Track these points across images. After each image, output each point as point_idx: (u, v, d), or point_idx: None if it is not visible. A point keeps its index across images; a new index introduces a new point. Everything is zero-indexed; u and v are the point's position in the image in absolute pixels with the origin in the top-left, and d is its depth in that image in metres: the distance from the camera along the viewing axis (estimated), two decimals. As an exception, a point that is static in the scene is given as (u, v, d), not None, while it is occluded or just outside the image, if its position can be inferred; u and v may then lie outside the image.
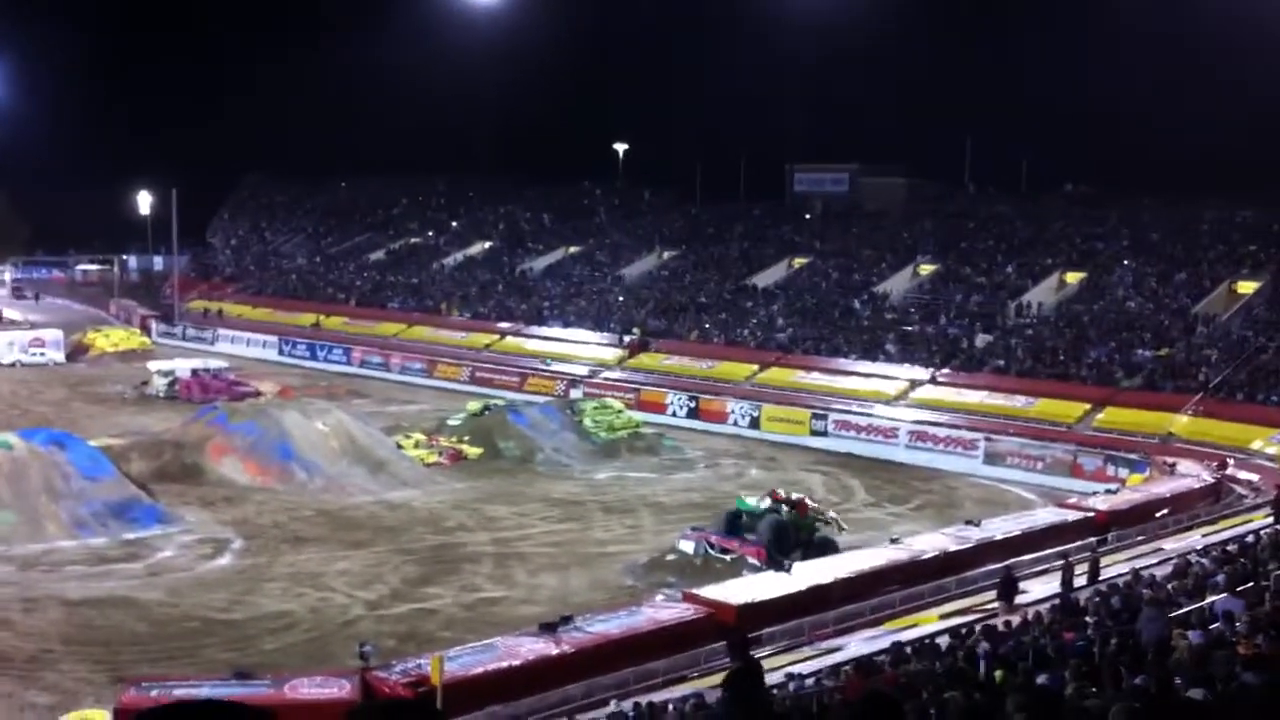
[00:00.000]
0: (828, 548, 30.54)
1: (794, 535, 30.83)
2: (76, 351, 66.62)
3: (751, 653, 14.27)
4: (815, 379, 53.02)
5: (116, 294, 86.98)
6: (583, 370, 58.50)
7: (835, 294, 61.42)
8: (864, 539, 32.77)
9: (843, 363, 53.97)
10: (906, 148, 74.24)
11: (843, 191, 75.77)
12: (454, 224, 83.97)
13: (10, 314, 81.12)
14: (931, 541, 30.06)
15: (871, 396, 50.44)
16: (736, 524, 31.75)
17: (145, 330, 74.92)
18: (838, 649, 22.52)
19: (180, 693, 20.67)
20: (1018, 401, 47.59)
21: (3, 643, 25.12)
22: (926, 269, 62.24)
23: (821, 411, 49.47)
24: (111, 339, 69.60)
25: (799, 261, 66.58)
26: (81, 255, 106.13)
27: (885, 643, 20.17)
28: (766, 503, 31.83)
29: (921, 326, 55.61)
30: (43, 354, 64.30)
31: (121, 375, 59.76)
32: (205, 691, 20.82)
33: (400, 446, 42.51)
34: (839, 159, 76.44)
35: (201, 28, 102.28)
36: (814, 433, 48.77)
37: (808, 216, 73.02)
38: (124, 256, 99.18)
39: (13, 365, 62.38)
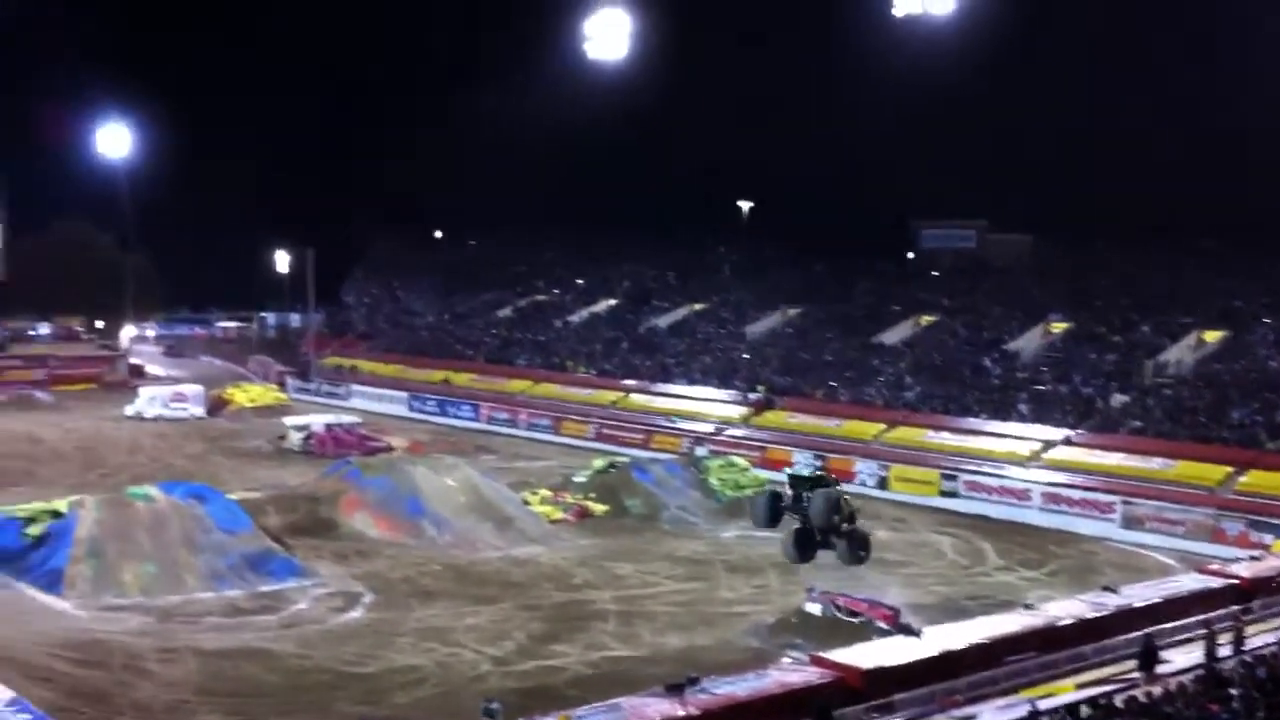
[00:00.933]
0: (866, 541, 32.50)
1: (844, 510, 31.85)
2: (216, 406, 68.68)
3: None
4: (945, 439, 52.21)
5: (254, 350, 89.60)
6: (708, 427, 58.48)
7: (964, 352, 60.57)
8: (997, 604, 32.06)
9: (973, 422, 53.10)
10: (1033, 203, 73.08)
11: (970, 248, 74.93)
12: (579, 281, 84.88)
13: (153, 369, 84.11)
14: (1067, 608, 29.24)
15: (1004, 457, 49.49)
16: (778, 502, 32.87)
17: (282, 386, 77.03)
18: (970, 717, 22.01)
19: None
20: (1156, 464, 46.22)
21: (142, 692, 25.79)
22: (1058, 327, 61.08)
23: (951, 472, 48.69)
24: (249, 394, 71.67)
25: (926, 319, 65.88)
26: (221, 312, 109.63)
27: (1021, 711, 19.66)
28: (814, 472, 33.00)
29: (1055, 386, 54.47)
30: (184, 409, 66.44)
31: (259, 430, 61.37)
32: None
33: (527, 503, 42.88)
34: (966, 215, 75.63)
35: (333, 91, 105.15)
36: (944, 493, 48.01)
37: (935, 274, 72.29)
38: (262, 314, 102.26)
39: (155, 419, 64.57)
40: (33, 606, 31.46)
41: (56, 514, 35.18)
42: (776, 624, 30.43)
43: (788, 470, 33.55)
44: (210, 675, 26.84)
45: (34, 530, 34.50)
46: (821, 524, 31.21)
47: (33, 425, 62.19)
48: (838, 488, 32.59)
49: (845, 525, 31.62)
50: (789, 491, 32.67)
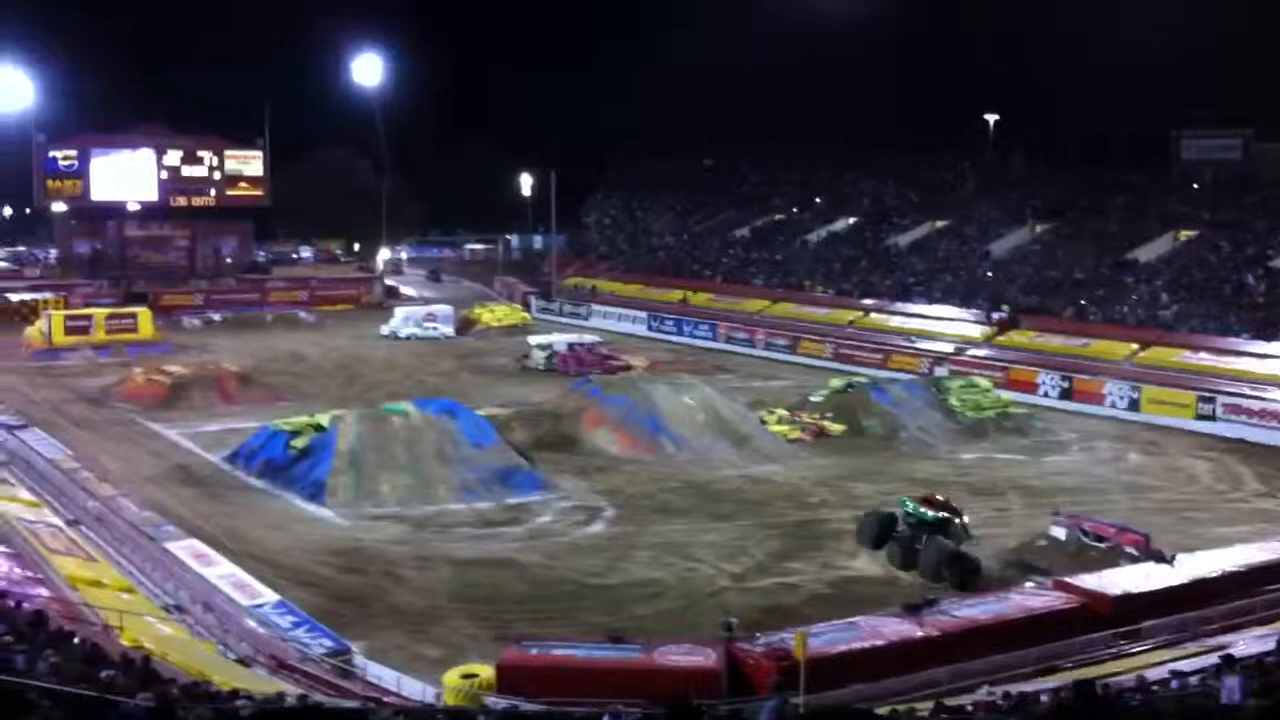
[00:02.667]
0: (974, 577, 27.54)
1: (959, 567, 27.58)
2: (464, 326, 71.19)
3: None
4: (1203, 359, 49.72)
5: (500, 272, 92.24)
6: (948, 348, 57.29)
7: (1225, 268, 57.34)
8: (1254, 531, 30.61)
9: (1234, 342, 50.36)
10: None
11: (1235, 158, 70.49)
12: (818, 200, 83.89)
13: (406, 290, 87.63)
14: (1333, 537, 27.72)
15: (1266, 379, 46.82)
16: (887, 529, 29.06)
17: (526, 306, 79.16)
18: (1224, 647, 21.15)
19: (558, 652, 21.82)
20: None
21: (397, 598, 27.25)
22: (1332, 241, 57.11)
23: (1209, 394, 46.39)
24: (496, 314, 74.05)
25: (1185, 234, 62.56)
26: (469, 235, 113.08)
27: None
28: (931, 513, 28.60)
29: (1325, 303, 51.15)
30: (435, 328, 69.09)
31: (504, 349, 63.31)
32: (581, 653, 21.88)
33: (764, 422, 43.02)
34: (1232, 123, 71.11)
35: (574, 12, 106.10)
36: (1200, 416, 45.83)
37: (1196, 186, 68.42)
38: (507, 236, 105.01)
39: (408, 338, 67.40)
40: (298, 515, 33.57)
41: (319, 428, 37.32)
42: (1019, 547, 29.78)
43: (909, 504, 29.34)
44: (462, 583, 28.12)
45: (299, 443, 36.73)
46: (928, 577, 27.52)
47: (296, 343, 65.84)
48: (958, 528, 28.57)
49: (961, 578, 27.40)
50: (904, 527, 29.07)
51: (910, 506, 29.13)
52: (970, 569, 27.64)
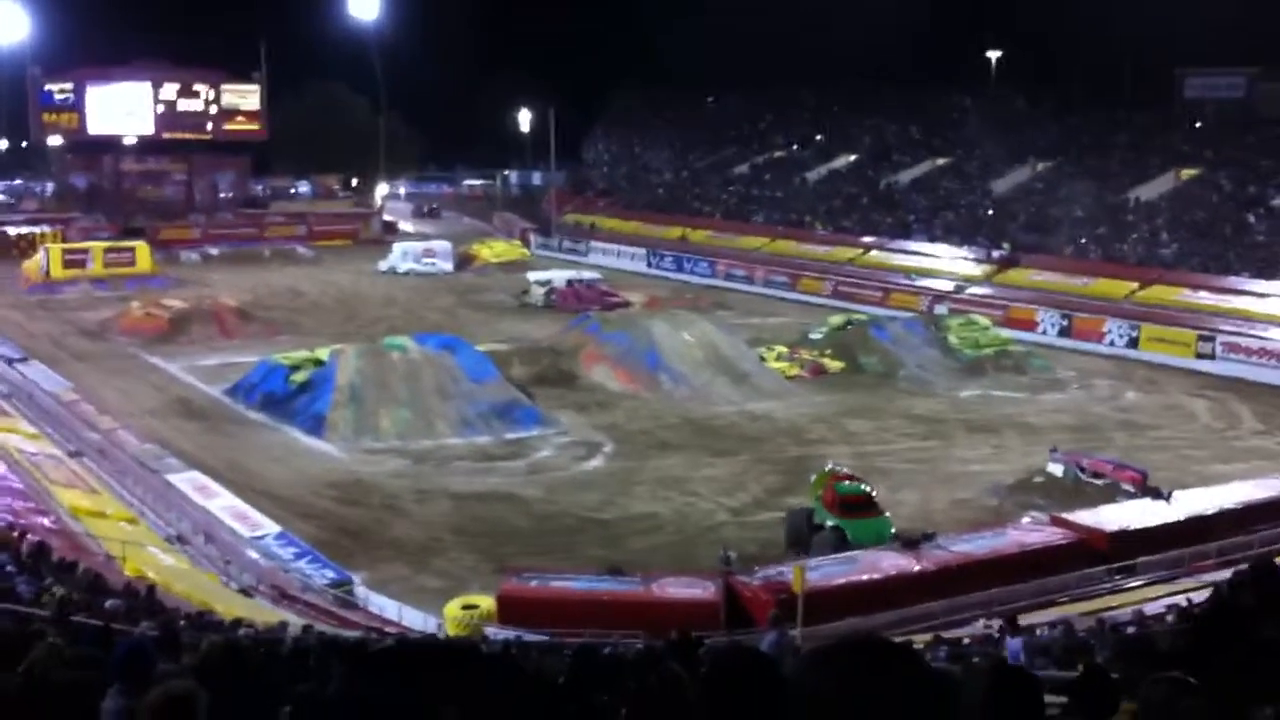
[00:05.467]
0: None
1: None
2: (463, 262, 71.00)
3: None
4: (1202, 298, 49.64)
5: (499, 208, 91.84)
6: (948, 285, 57.20)
7: (1227, 207, 57.09)
8: (1251, 469, 30.75)
9: (1234, 281, 50.25)
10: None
11: (1238, 97, 69.95)
12: (819, 137, 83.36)
13: (405, 226, 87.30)
14: (1330, 475, 27.86)
15: (1266, 318, 46.77)
16: (806, 526, 25.93)
17: (525, 242, 78.92)
18: (1218, 583, 21.32)
19: (557, 584, 21.99)
20: None
21: (399, 530, 27.44)
22: (1335, 180, 56.78)
23: (1209, 333, 46.38)
24: (494, 250, 73.84)
25: (1187, 173, 62.20)
26: (468, 171, 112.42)
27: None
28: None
29: (1326, 243, 50.97)
30: (433, 264, 68.90)
31: (503, 285, 63.20)
32: (581, 585, 22.06)
33: (763, 359, 43.05)
34: (1235, 61, 70.48)
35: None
36: (1199, 355, 45.85)
37: (1198, 125, 67.98)
38: (505, 172, 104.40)
39: (407, 274, 67.22)
40: (298, 448, 33.71)
41: (319, 362, 37.40)
42: (1016, 484, 29.95)
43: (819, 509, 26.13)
44: (462, 516, 28.31)
45: (299, 377, 36.81)
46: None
47: (295, 279, 65.72)
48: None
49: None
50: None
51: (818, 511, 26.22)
52: None
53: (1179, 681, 4.79)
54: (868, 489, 26.20)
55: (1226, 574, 21.99)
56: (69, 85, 76.16)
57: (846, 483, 26.08)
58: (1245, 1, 68.17)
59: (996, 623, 18.19)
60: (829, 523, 25.25)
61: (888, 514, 25.83)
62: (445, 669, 5.31)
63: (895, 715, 2.24)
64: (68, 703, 5.32)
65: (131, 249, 65.00)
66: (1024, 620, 19.00)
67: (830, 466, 27.76)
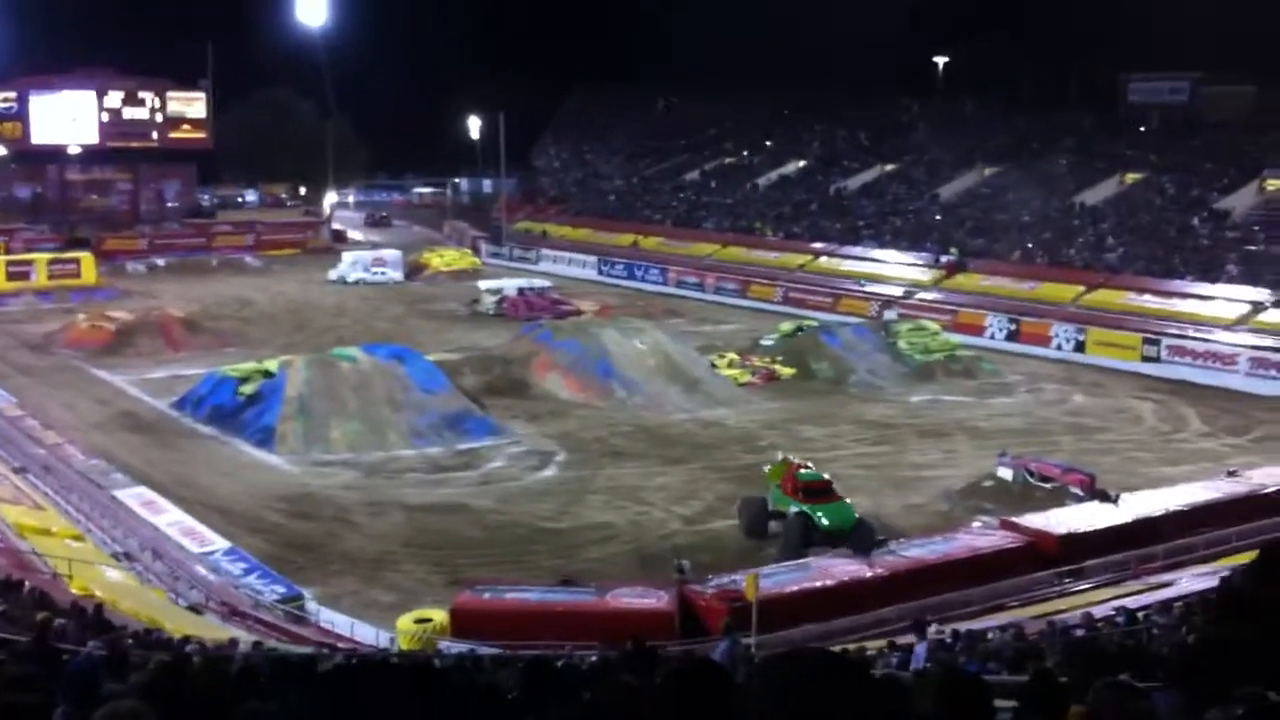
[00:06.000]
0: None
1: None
2: (413, 271, 70.66)
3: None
4: (1148, 301, 50.29)
5: (449, 215, 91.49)
6: (897, 291, 57.60)
7: (1171, 212, 57.87)
8: (1197, 471, 31.14)
9: (1178, 284, 50.94)
10: (1257, 53, 68.36)
11: (1182, 101, 70.91)
12: (768, 143, 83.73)
13: (354, 234, 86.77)
14: (1273, 474, 28.24)
15: (1210, 321, 47.47)
16: (763, 514, 26.97)
17: (475, 251, 78.61)
18: (1167, 585, 21.59)
19: (511, 596, 21.90)
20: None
21: (350, 544, 27.22)
22: (1275, 184, 57.67)
23: (1154, 336, 46.99)
24: (445, 259, 73.51)
25: (1132, 177, 63.01)
26: (417, 179, 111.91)
27: (1218, 581, 19.18)
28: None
29: (1267, 246, 51.73)
30: (384, 273, 68.51)
31: (454, 293, 62.97)
32: (535, 596, 21.97)
33: (714, 366, 43.16)
34: (1179, 66, 71.43)
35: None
36: (1145, 358, 46.43)
37: (1143, 129, 68.89)
38: (456, 180, 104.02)
39: (356, 283, 66.80)
40: (247, 461, 33.38)
41: (268, 373, 37.04)
42: (966, 488, 30.18)
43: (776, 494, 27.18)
44: (414, 528, 28.12)
45: (247, 389, 36.44)
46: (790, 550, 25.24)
47: (243, 288, 65.13)
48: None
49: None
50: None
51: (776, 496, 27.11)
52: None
53: (1126, 685, 4.85)
54: (827, 476, 27.28)
55: (1175, 575, 22.32)
56: (12, 94, 75.07)
57: (805, 470, 27.28)
58: (1188, 7, 69.09)
59: (939, 626, 18.33)
60: (793, 509, 26.04)
61: (848, 499, 26.74)
62: (395, 688, 5.25)
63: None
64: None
65: (76, 260, 64.22)
66: (976, 625, 19.14)
67: (784, 457, 28.85)
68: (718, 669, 3.50)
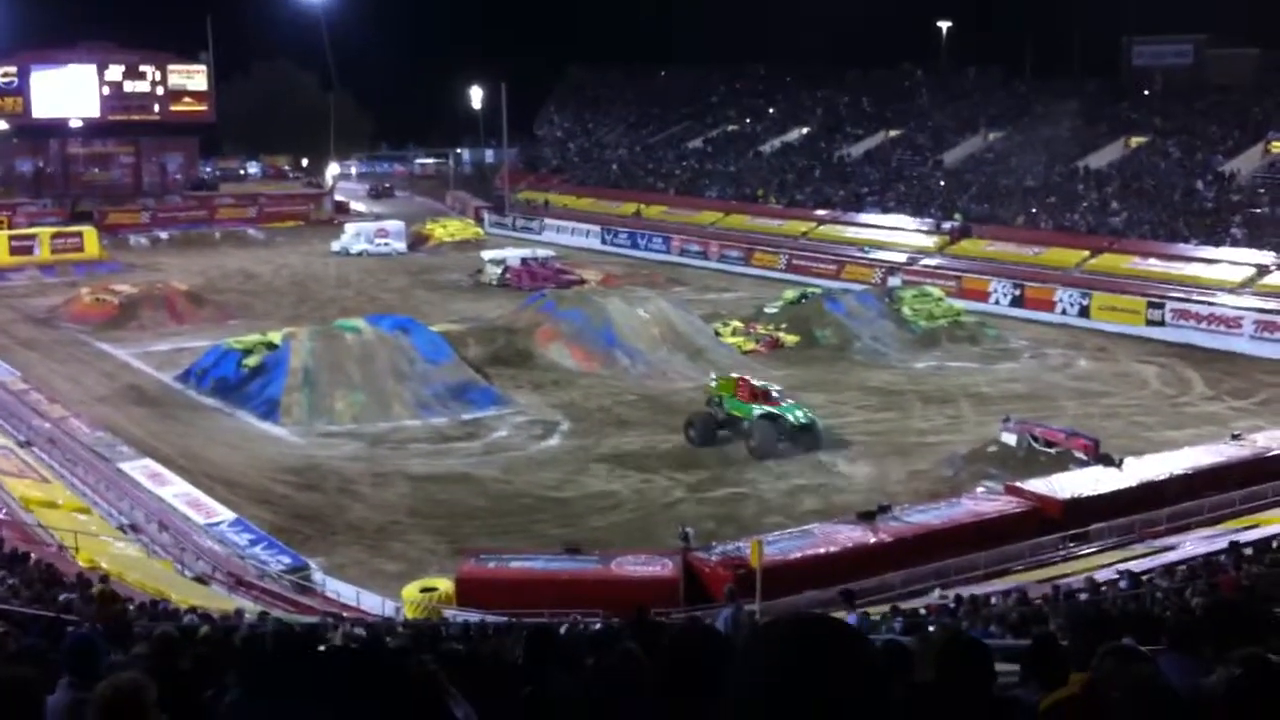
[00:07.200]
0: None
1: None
2: (416, 242, 70.54)
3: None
4: (1152, 265, 50.16)
5: (452, 186, 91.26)
6: (901, 257, 57.42)
7: (1176, 175, 57.62)
8: (1201, 434, 31.12)
9: (1183, 248, 50.80)
10: (1262, 15, 67.92)
11: (1186, 64, 70.50)
12: (771, 110, 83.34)
13: (357, 206, 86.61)
14: (1277, 438, 28.23)
15: (1214, 284, 47.34)
16: (714, 425, 31.22)
17: (478, 221, 78.43)
18: (1171, 548, 21.60)
19: (516, 565, 21.96)
20: (1381, 290, 43.60)
21: (355, 514, 27.29)
22: (1280, 146, 57.43)
23: (1158, 300, 46.88)
24: (448, 229, 73.35)
25: (1136, 141, 62.73)
26: (420, 150, 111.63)
27: (1223, 543, 19.21)
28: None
29: (1272, 209, 51.52)
30: (387, 244, 68.38)
31: (457, 264, 62.87)
32: (539, 565, 22.03)
33: (718, 334, 43.12)
34: (1183, 29, 71.00)
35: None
36: (1150, 322, 46.35)
37: (1146, 93, 68.54)
38: (458, 150, 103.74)
39: (360, 254, 66.70)
40: (252, 433, 33.42)
41: (272, 346, 37.04)
42: (970, 454, 30.17)
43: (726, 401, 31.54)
44: (419, 498, 28.18)
45: (251, 361, 36.45)
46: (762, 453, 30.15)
47: (246, 261, 65.08)
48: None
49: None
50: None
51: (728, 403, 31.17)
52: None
53: (1129, 650, 4.85)
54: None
55: (1179, 539, 22.33)
56: (13, 69, 74.79)
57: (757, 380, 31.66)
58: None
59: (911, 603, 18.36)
60: (757, 412, 30.20)
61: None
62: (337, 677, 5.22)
63: (831, 693, 2.23)
64: (14, 697, 5.24)
65: (79, 234, 64.14)
66: (980, 590, 19.17)
67: (722, 375, 32.81)
68: (716, 636, 3.51)
